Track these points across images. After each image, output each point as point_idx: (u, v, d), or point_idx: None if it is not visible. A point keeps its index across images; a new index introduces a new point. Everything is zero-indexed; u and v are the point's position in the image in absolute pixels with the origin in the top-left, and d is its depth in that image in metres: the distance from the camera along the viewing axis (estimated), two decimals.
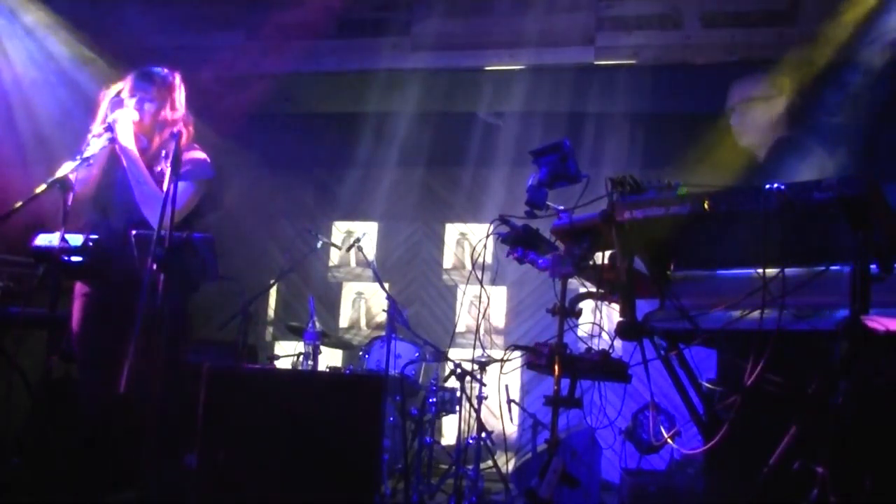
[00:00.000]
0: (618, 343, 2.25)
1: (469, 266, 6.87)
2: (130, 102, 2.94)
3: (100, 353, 2.84)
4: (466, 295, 6.32)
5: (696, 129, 5.18)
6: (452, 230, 7.26)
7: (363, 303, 7.38)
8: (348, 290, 7.45)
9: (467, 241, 7.17)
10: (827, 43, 4.24)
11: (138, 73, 3.02)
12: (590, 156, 5.61)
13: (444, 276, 7.21)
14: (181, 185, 2.85)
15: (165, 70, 3.06)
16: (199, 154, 3.06)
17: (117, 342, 2.50)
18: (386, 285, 5.00)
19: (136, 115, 2.92)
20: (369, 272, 6.36)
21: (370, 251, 7.08)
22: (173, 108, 3.01)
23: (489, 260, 5.75)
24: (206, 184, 3.05)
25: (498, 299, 6.91)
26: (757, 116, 3.19)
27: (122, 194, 2.94)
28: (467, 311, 6.72)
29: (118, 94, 3.00)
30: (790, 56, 4.31)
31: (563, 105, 5.64)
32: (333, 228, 7.39)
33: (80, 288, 2.94)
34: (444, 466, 5.25)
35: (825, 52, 4.23)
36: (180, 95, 3.06)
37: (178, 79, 3.07)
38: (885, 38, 4.09)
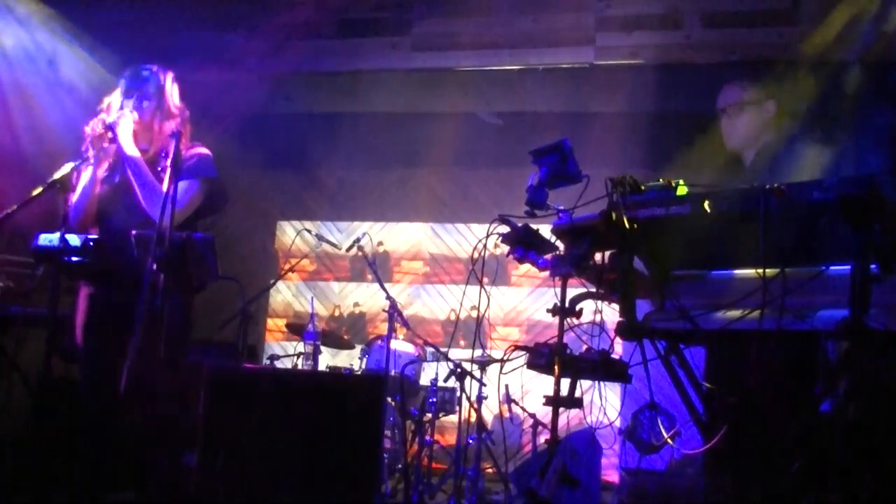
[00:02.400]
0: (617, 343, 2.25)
1: (471, 265, 6.87)
2: (129, 103, 2.94)
3: (102, 352, 2.84)
4: (465, 295, 6.30)
5: (696, 129, 5.18)
6: (452, 230, 7.27)
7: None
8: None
9: (465, 240, 7.17)
10: (821, 43, 4.24)
11: (132, 72, 3.02)
12: (590, 156, 5.58)
13: (445, 276, 7.22)
14: (184, 183, 2.86)
15: (157, 68, 3.05)
16: (203, 151, 3.06)
17: (119, 342, 2.50)
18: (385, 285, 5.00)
19: (135, 115, 2.92)
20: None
21: (375, 250, 7.10)
22: (169, 105, 3.01)
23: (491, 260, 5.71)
24: (210, 182, 3.04)
25: (499, 299, 6.91)
26: (746, 120, 3.19)
27: (124, 195, 2.94)
28: (466, 311, 6.71)
29: (116, 94, 3.00)
30: (783, 58, 4.32)
31: (563, 105, 5.63)
32: (332, 228, 7.39)
33: (84, 288, 2.94)
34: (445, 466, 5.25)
35: (819, 53, 4.24)
36: (174, 93, 3.06)
37: (170, 76, 3.07)
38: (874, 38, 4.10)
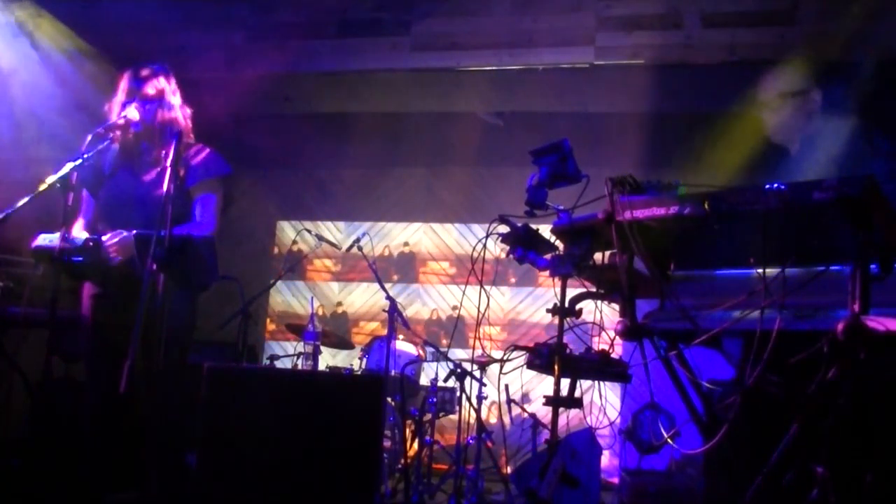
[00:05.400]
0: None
1: (471, 265, 6.86)
2: (131, 105, 2.92)
3: (106, 352, 2.83)
4: (466, 295, 6.30)
5: (696, 129, 5.18)
6: (452, 230, 7.27)
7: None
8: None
9: (467, 240, 7.17)
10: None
11: (132, 73, 3.00)
12: (590, 156, 5.59)
13: (445, 276, 7.22)
14: (208, 197, 2.90)
15: (157, 68, 3.04)
16: (210, 150, 3.04)
17: (122, 342, 2.50)
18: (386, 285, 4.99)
19: (136, 116, 2.92)
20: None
21: (375, 250, 7.10)
22: (170, 104, 3.00)
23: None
24: (224, 181, 3.04)
25: (499, 299, 6.91)
26: (788, 112, 3.15)
27: (125, 195, 2.93)
28: (466, 311, 6.71)
29: (117, 96, 2.99)
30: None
31: (563, 105, 5.63)
32: (332, 228, 7.39)
33: (88, 289, 2.94)
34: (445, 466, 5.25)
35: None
36: (174, 92, 3.05)
37: (170, 77, 3.06)
38: None
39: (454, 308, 7.10)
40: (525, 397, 5.92)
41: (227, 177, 3.04)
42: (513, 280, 6.94)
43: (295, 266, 6.55)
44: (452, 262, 7.23)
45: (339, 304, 7.36)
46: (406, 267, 7.30)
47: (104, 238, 2.74)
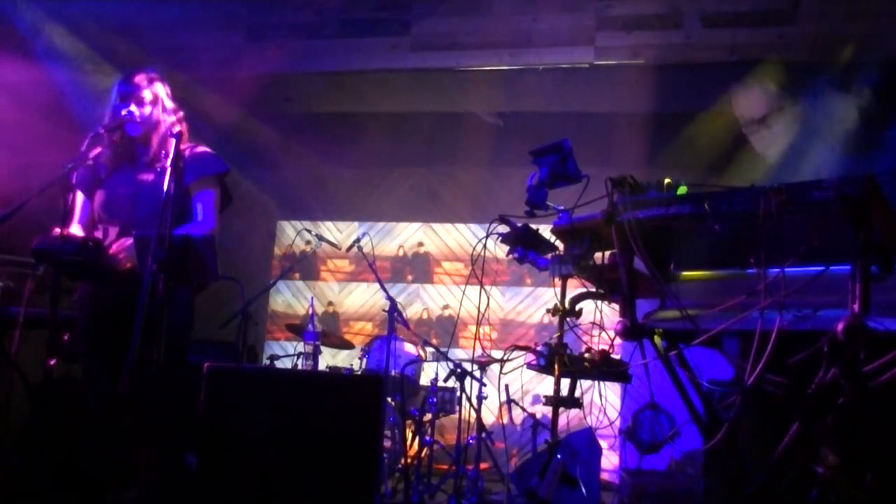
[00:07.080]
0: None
1: (471, 265, 6.87)
2: (126, 108, 2.92)
3: (103, 352, 2.83)
4: (466, 294, 6.30)
5: (696, 129, 5.18)
6: (452, 230, 7.27)
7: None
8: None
9: (467, 240, 7.17)
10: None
11: (125, 77, 2.99)
12: (590, 156, 5.60)
13: (444, 276, 7.22)
14: (207, 194, 2.89)
15: (149, 71, 3.04)
16: (205, 149, 3.05)
17: (120, 342, 2.50)
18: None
19: (134, 118, 2.91)
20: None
21: (373, 251, 7.09)
22: (164, 107, 3.00)
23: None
24: (221, 179, 3.05)
25: (498, 299, 6.92)
26: (768, 132, 3.18)
27: (124, 195, 2.93)
28: (466, 310, 6.72)
29: (111, 100, 2.99)
30: (789, 57, 4.32)
31: (564, 105, 5.64)
32: (332, 228, 7.39)
33: (83, 287, 2.94)
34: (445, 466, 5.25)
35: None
36: (168, 95, 3.05)
37: (163, 80, 3.06)
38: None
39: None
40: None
41: (224, 174, 3.05)
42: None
43: (296, 266, 6.54)
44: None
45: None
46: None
47: (114, 248, 2.76)
